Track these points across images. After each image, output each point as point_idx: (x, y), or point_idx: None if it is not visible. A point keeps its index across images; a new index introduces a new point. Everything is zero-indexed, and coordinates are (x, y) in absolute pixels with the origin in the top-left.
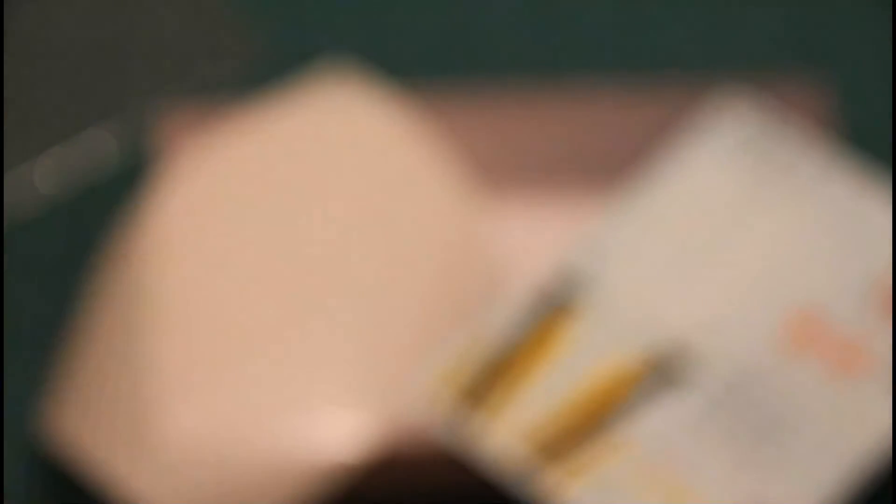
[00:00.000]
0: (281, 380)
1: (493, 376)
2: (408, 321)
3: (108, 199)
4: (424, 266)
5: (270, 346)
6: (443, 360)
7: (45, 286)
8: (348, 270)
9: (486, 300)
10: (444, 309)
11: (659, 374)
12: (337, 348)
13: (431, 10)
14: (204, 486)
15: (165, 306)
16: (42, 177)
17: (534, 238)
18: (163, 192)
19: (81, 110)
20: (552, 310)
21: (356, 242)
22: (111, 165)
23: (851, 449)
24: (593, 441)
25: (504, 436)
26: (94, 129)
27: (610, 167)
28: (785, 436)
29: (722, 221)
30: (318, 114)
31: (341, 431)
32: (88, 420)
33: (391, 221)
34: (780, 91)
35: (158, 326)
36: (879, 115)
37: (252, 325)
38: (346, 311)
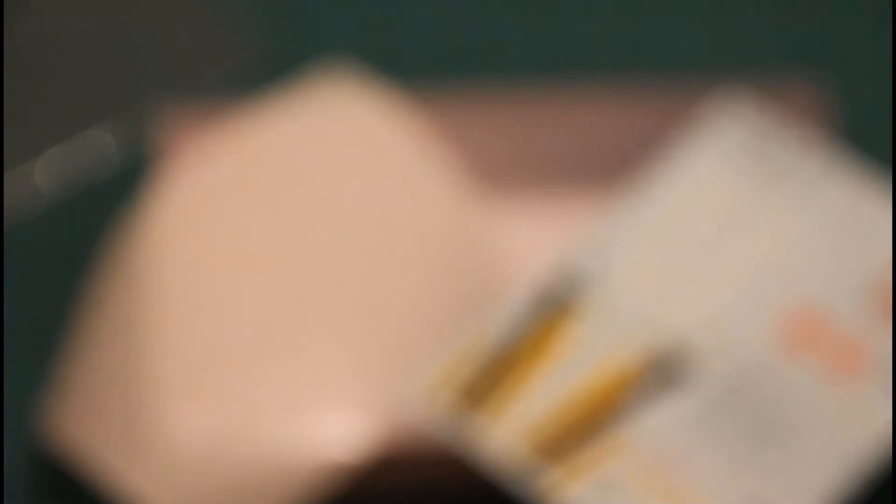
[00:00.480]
0: (281, 380)
1: (493, 376)
2: (408, 321)
3: (108, 199)
4: (424, 266)
5: (270, 346)
6: (443, 360)
7: (45, 286)
8: (348, 271)
9: (486, 300)
10: (445, 309)
11: (659, 374)
12: (338, 348)
13: (432, 11)
14: (204, 486)
15: (165, 307)
16: (42, 177)
17: (534, 238)
18: (163, 193)
19: (81, 110)
20: (552, 310)
21: (356, 243)
22: (111, 165)
23: (851, 449)
24: (593, 441)
25: (504, 436)
26: (94, 129)
27: (610, 167)
28: (785, 436)
29: (722, 222)
30: (317, 114)
31: (342, 431)
32: (89, 420)
33: (391, 222)
34: (779, 92)
35: (159, 327)
36: (879, 115)
37: (252, 325)
38: (346, 311)
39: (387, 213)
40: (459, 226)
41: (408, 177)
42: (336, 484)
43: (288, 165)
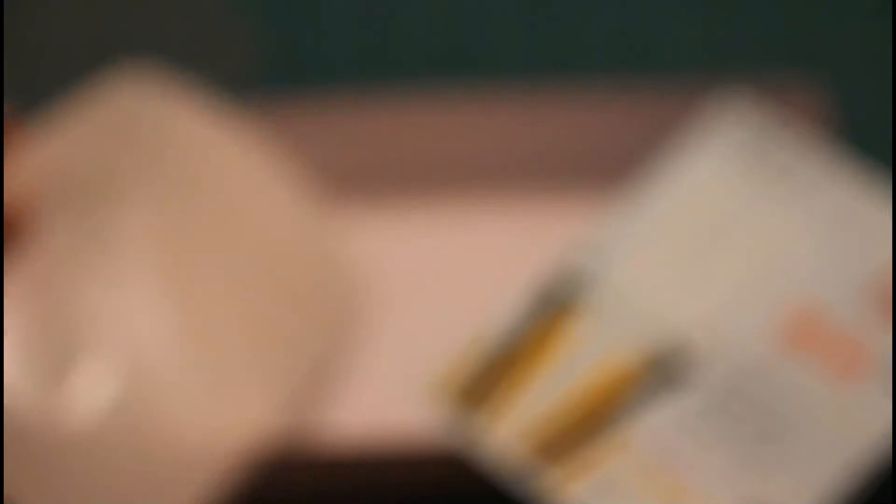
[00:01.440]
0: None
1: (494, 376)
2: (243, 333)
3: None
4: (268, 270)
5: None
6: (444, 360)
7: None
8: (175, 285)
9: (333, 312)
10: (284, 320)
11: (659, 373)
12: (183, 363)
13: (433, 12)
14: (86, 485)
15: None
16: None
17: (535, 238)
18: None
19: None
20: (552, 309)
21: (167, 248)
22: None
23: (851, 448)
24: (594, 441)
25: (505, 435)
26: None
27: (610, 167)
28: (785, 435)
29: (722, 221)
30: (111, 119)
31: (195, 446)
32: None
33: (229, 231)
34: (779, 91)
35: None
36: (879, 115)
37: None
38: (174, 326)
39: (222, 222)
40: (298, 234)
41: (242, 186)
42: (225, 480)
43: (90, 175)
